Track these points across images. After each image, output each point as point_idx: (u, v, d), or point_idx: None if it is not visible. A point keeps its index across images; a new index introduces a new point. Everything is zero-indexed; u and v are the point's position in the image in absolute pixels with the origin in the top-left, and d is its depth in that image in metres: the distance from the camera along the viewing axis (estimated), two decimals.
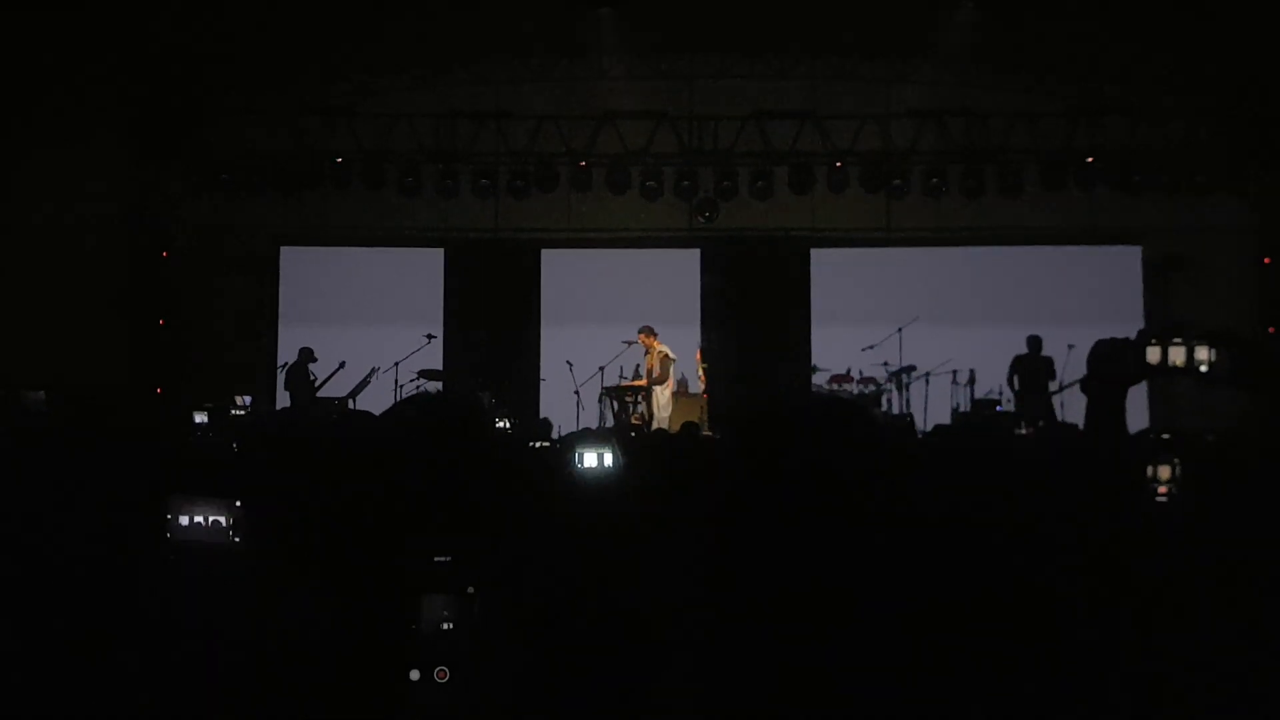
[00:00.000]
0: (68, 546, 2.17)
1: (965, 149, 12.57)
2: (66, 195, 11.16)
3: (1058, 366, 11.65)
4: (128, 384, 11.66)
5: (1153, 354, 2.89)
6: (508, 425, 10.10)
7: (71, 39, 10.43)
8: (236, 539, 2.17)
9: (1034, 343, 12.05)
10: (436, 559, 1.77)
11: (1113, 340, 3.06)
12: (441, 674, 1.69)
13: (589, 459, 4.65)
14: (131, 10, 10.59)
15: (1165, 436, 3.68)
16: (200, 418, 8.09)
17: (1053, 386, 11.69)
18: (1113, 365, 2.96)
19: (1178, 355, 2.86)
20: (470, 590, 1.75)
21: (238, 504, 2.17)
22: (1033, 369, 11.92)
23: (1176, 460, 3.10)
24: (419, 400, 2.30)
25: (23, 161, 10.71)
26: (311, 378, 12.24)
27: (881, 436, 1.95)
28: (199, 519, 2.28)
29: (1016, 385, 12.00)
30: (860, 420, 1.89)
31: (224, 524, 2.25)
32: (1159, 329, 2.94)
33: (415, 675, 1.69)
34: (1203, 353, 2.89)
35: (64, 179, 11.08)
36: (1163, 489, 2.96)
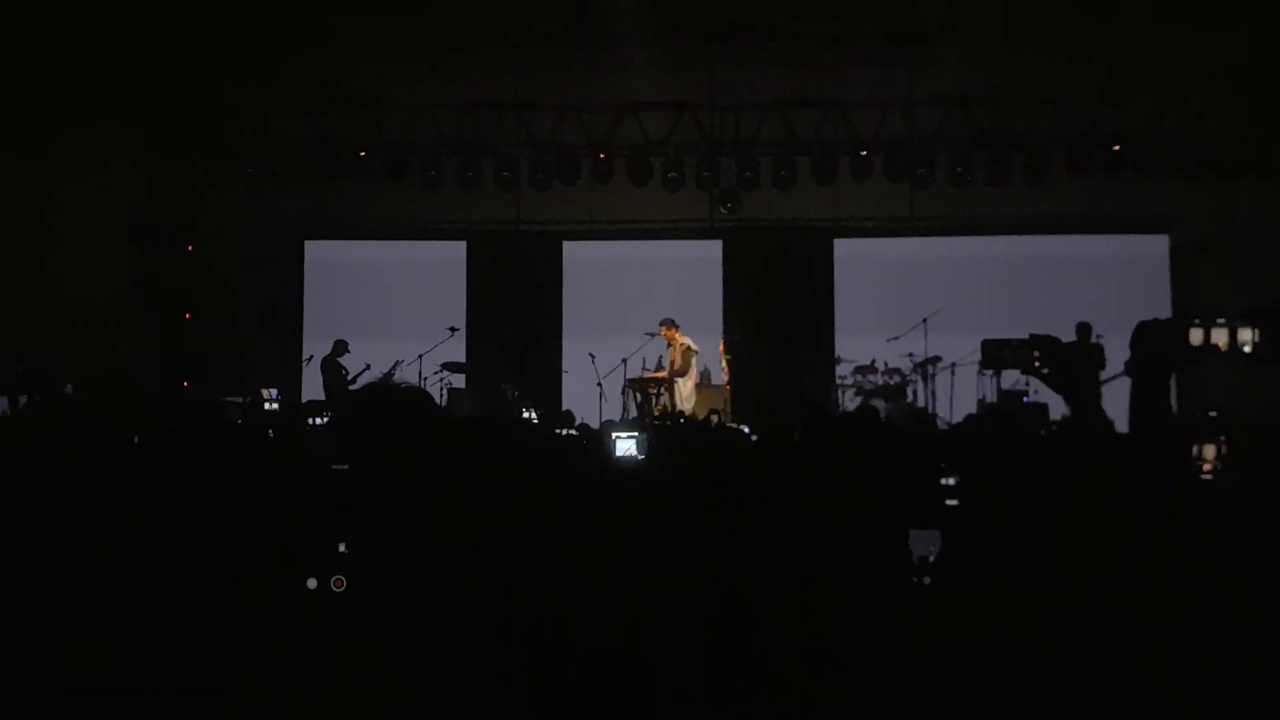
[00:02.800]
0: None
1: (990, 135, 12.45)
2: (89, 188, 11.20)
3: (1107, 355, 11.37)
4: (155, 379, 11.72)
5: (1196, 335, 2.86)
6: (533, 416, 10.12)
7: (92, 29, 10.47)
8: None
9: (1083, 330, 11.73)
10: (334, 466, 1.78)
11: (1156, 321, 3.05)
12: (338, 583, 1.68)
13: (622, 447, 4.74)
14: (156, 2, 10.63)
15: (1212, 414, 3.63)
16: (236, 415, 8.17)
17: (1102, 376, 11.44)
18: (1157, 346, 2.93)
19: (1220, 336, 2.83)
20: (366, 503, 1.74)
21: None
22: (1082, 358, 11.59)
23: (1223, 438, 3.05)
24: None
25: (44, 154, 10.76)
26: (344, 370, 12.31)
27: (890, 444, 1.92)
28: None
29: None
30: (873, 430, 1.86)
31: None
32: (1201, 311, 2.92)
33: (312, 584, 1.68)
34: (1246, 333, 2.86)
35: (87, 172, 11.13)
36: (1208, 466, 2.92)
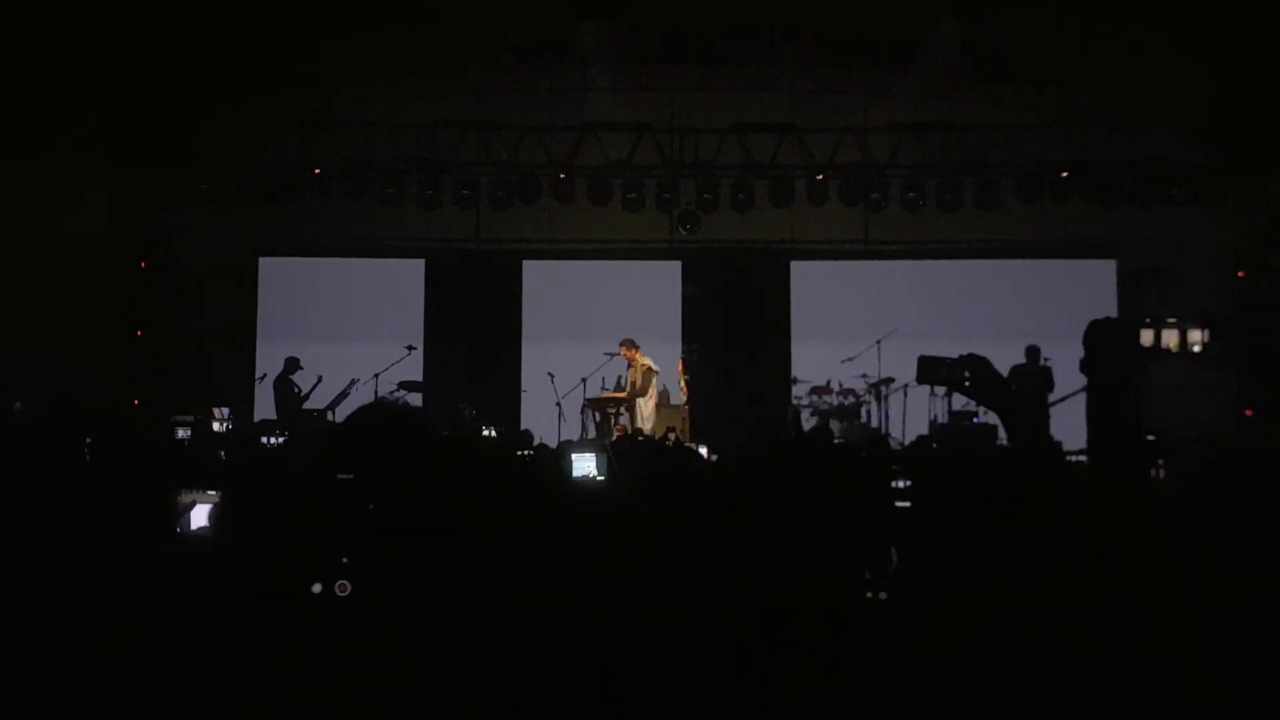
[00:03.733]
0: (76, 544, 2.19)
1: (943, 162, 12.69)
2: (44, 203, 11.06)
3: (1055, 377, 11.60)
4: (107, 395, 11.54)
5: (1146, 336, 2.94)
6: (494, 434, 10.11)
7: (52, 46, 10.37)
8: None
9: (1032, 353, 11.99)
10: (339, 475, 1.81)
11: (1109, 319, 3.13)
12: (342, 588, 1.71)
13: (580, 466, 4.76)
14: (113, 19, 10.55)
15: (1150, 439, 3.74)
16: (183, 433, 8.11)
17: (1051, 398, 11.66)
18: (1111, 344, 3.02)
19: (1171, 338, 2.92)
20: (371, 507, 1.77)
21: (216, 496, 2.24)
22: (1031, 380, 11.84)
23: (1160, 462, 3.15)
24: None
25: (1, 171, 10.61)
26: (296, 389, 12.19)
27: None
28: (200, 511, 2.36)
29: None
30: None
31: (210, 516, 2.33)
32: (1152, 313, 3.02)
33: (316, 589, 1.71)
34: (1195, 334, 2.95)
35: (42, 187, 10.99)
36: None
